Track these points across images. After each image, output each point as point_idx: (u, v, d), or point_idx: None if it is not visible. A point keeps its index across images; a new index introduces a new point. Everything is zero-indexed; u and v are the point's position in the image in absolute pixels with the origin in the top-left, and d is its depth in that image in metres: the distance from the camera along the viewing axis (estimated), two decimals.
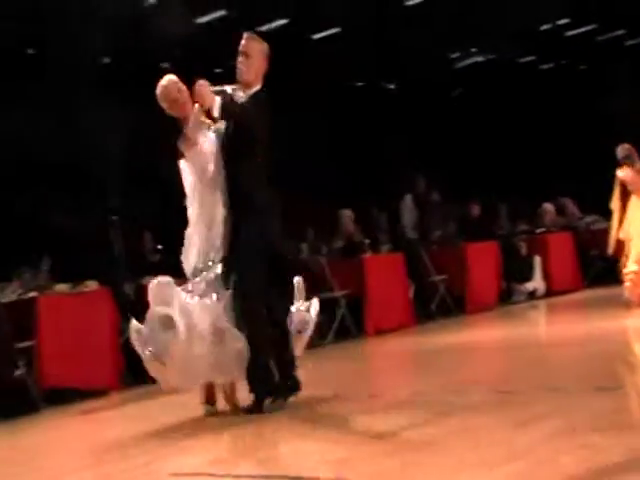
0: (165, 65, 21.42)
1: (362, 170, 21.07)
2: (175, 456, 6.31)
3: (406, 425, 6.37)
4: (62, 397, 10.07)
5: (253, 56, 7.70)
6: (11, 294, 10.64)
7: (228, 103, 7.51)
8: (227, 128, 7.62)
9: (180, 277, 11.84)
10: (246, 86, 7.66)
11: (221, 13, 18.64)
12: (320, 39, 20.69)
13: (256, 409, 7.53)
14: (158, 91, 7.75)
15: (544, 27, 21.79)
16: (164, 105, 7.77)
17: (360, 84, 25.16)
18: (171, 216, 11.42)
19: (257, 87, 7.68)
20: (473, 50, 23.80)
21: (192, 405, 8.83)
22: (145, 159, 17.44)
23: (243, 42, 7.70)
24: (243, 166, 7.66)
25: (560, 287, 15.71)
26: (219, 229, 7.73)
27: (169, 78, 7.78)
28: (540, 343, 11.58)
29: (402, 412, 7.04)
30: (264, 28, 20.01)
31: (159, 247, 13.17)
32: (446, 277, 14.25)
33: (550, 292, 15.60)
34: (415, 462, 5.14)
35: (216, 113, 7.48)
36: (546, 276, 15.68)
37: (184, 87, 7.70)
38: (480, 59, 24.38)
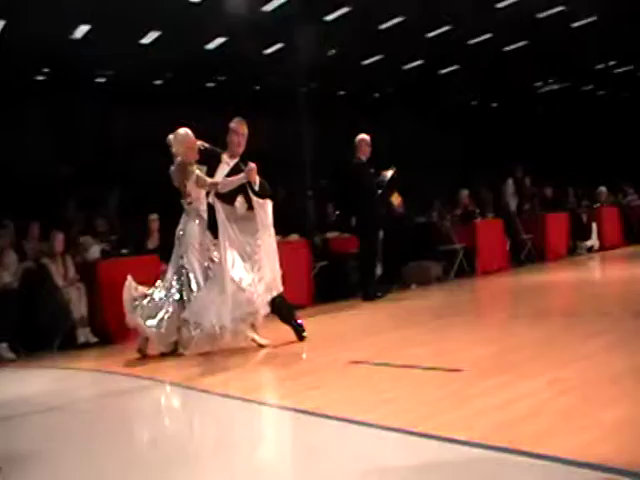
0: (342, 93, 21.74)
1: (475, 162, 20.88)
2: (352, 351, 6.37)
3: (505, 335, 6.37)
4: None
5: (244, 136, 7.20)
6: None
7: (264, 184, 7.02)
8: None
9: (347, 232, 12.05)
10: (233, 156, 7.16)
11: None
12: (448, 73, 20.63)
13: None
14: (180, 138, 7.12)
15: (599, 66, 21.48)
16: (180, 148, 7.10)
17: (474, 103, 25.03)
18: (345, 194, 11.59)
19: (238, 159, 7.14)
20: (551, 80, 23.57)
21: (353, 316, 9.04)
22: (332, 155, 17.68)
23: (236, 125, 7.16)
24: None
25: (610, 244, 15.24)
26: None
27: (187, 130, 7.16)
28: (596, 282, 11.36)
29: (502, 327, 7.04)
30: (407, 67, 20.01)
31: (337, 212, 13.28)
32: (532, 236, 13.98)
33: (603, 247, 15.15)
34: (510, 361, 5.14)
35: (256, 187, 6.88)
36: (600, 236, 15.29)
37: None
38: (556, 87, 24.10)
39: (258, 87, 19.81)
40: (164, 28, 14.73)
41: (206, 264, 7.19)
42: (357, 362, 5.74)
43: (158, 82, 18.81)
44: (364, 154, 10.61)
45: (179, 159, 7.19)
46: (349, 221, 12.64)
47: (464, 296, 10.68)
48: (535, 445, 3.20)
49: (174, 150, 7.23)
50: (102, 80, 18.07)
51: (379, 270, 11.22)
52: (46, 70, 17.16)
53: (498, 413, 3.78)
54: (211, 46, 16.34)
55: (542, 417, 3.65)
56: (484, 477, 3.01)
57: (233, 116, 7.30)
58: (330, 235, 12.25)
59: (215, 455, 3.74)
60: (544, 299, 9.17)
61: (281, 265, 10.22)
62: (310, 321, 9.38)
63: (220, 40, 16.11)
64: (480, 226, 13.09)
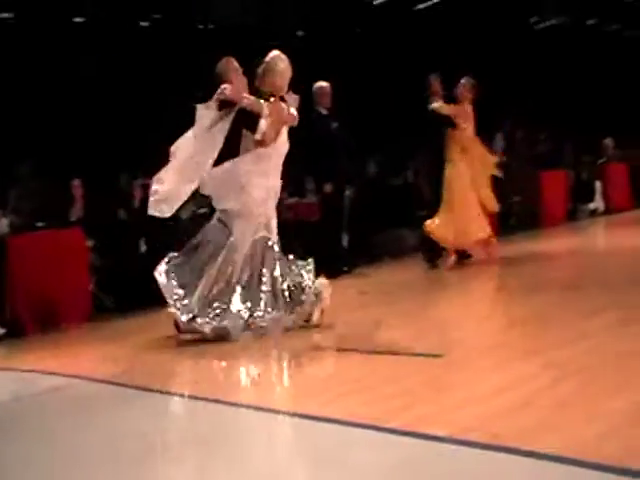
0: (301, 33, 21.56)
1: None
2: (315, 336, 6.33)
3: (492, 313, 6.47)
4: None
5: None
6: None
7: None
8: None
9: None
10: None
11: None
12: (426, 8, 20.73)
13: None
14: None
15: None
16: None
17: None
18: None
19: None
20: (549, 15, 23.79)
21: None
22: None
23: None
24: None
25: (616, 207, 15.19)
26: None
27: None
28: (598, 251, 11.38)
29: (490, 304, 7.13)
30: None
31: None
32: (522, 199, 13.78)
33: (608, 211, 15.12)
34: (499, 342, 5.20)
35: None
36: (605, 198, 15.26)
37: None
38: (554, 22, 24.25)
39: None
40: None
41: None
42: (320, 349, 5.78)
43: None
44: (323, 105, 10.45)
45: None
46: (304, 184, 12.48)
47: None
48: (526, 441, 3.18)
49: None
50: None
51: (345, 241, 11.13)
52: None
53: (483, 404, 3.79)
54: None
55: (535, 408, 3.66)
56: (465, 478, 3.01)
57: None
58: (287, 202, 12.08)
59: (159, 456, 3.74)
60: (538, 270, 9.15)
61: None
62: None
63: None
64: None
